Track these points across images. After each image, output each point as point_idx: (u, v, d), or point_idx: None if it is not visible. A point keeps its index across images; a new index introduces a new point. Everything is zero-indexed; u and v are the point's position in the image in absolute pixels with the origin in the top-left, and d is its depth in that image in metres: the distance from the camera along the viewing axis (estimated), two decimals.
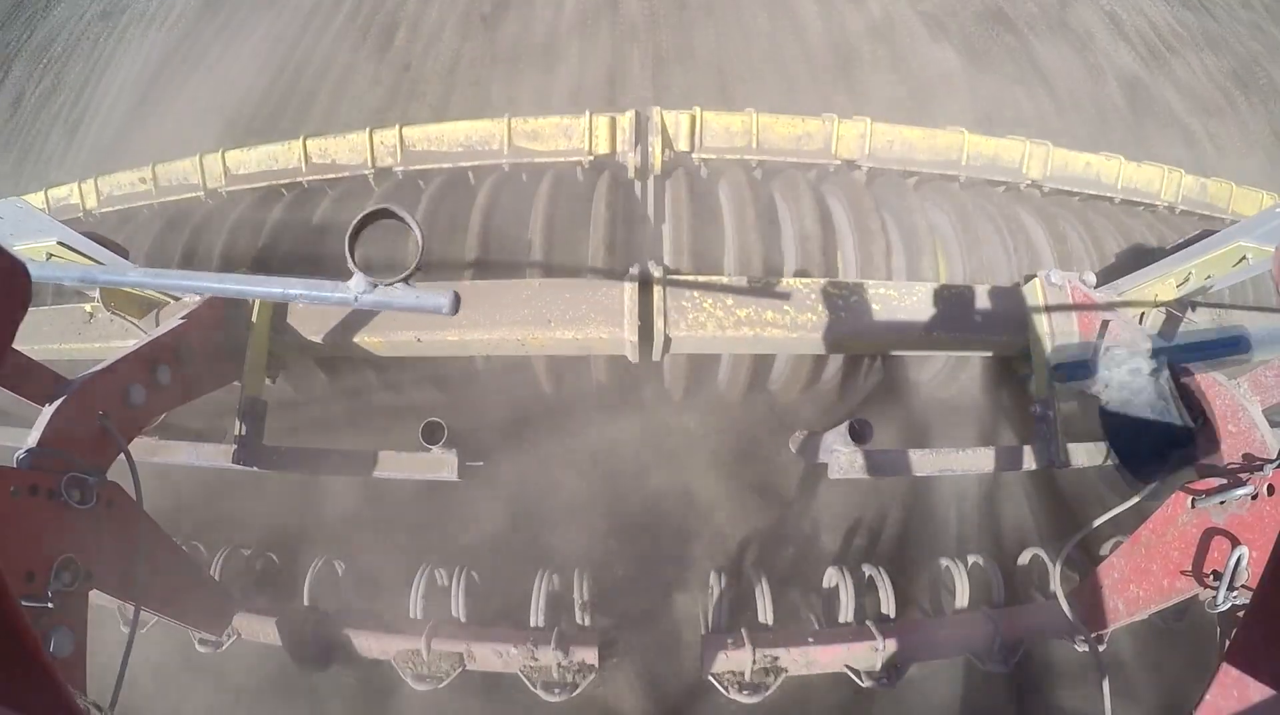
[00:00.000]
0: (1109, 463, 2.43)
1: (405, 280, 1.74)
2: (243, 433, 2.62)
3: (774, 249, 2.98)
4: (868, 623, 2.64)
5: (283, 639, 2.53)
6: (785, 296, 2.69)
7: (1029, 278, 2.78)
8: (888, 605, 2.67)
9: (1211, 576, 2.30)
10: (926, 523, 2.89)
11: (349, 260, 1.72)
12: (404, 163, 3.18)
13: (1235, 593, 2.08)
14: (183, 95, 4.45)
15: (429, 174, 3.23)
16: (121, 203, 3.46)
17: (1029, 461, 2.66)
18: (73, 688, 1.13)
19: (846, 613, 2.68)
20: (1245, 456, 2.19)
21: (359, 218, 1.70)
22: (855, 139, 3.10)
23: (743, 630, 2.60)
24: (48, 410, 2.01)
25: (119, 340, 2.70)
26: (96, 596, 1.96)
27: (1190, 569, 2.35)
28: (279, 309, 2.70)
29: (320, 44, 4.65)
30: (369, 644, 2.56)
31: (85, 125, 4.38)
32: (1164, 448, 1.68)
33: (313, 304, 1.86)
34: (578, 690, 2.55)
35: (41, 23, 5.23)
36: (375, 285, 1.75)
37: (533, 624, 2.58)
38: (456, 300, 1.75)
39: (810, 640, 2.63)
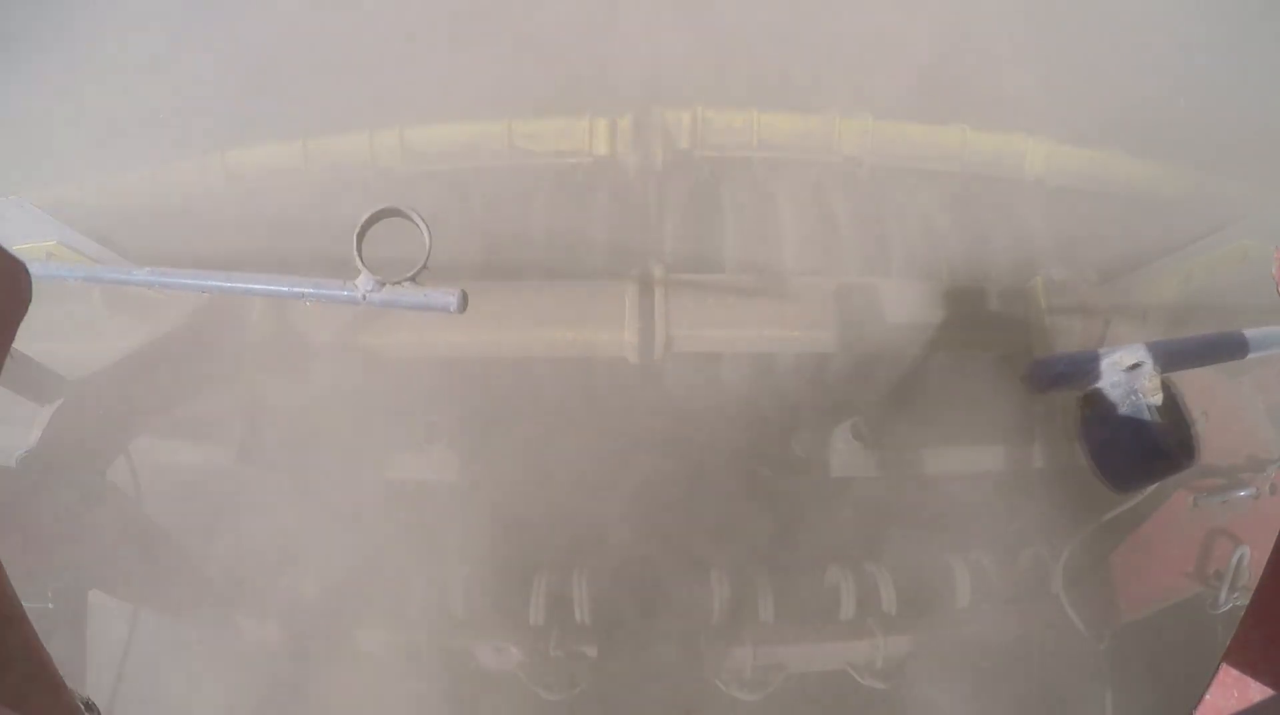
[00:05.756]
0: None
1: (413, 279, 1.75)
2: (244, 432, 2.62)
3: (776, 248, 2.97)
4: (869, 621, 2.64)
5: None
6: (788, 296, 2.68)
7: (1031, 276, 2.77)
8: (889, 603, 2.67)
9: (1214, 576, 2.31)
10: (928, 521, 2.88)
11: (356, 258, 1.73)
12: (405, 163, 3.17)
13: (1237, 593, 2.09)
14: None
15: (430, 175, 3.22)
16: (121, 202, 3.45)
17: (1031, 460, 2.65)
18: (72, 687, 1.13)
19: (848, 611, 2.68)
20: (1247, 456, 2.19)
21: (366, 216, 1.70)
22: (857, 136, 3.09)
23: (743, 628, 2.60)
24: (48, 410, 2.01)
25: (119, 340, 2.70)
26: (96, 596, 1.96)
27: (1192, 569, 2.35)
28: (280, 308, 2.69)
29: None
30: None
31: None
32: (1144, 460, 1.67)
33: (320, 302, 1.86)
34: (577, 688, 2.56)
35: None
36: (383, 283, 1.76)
37: (532, 622, 2.58)
38: (464, 298, 1.77)
39: (811, 638, 2.63)
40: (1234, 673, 1.13)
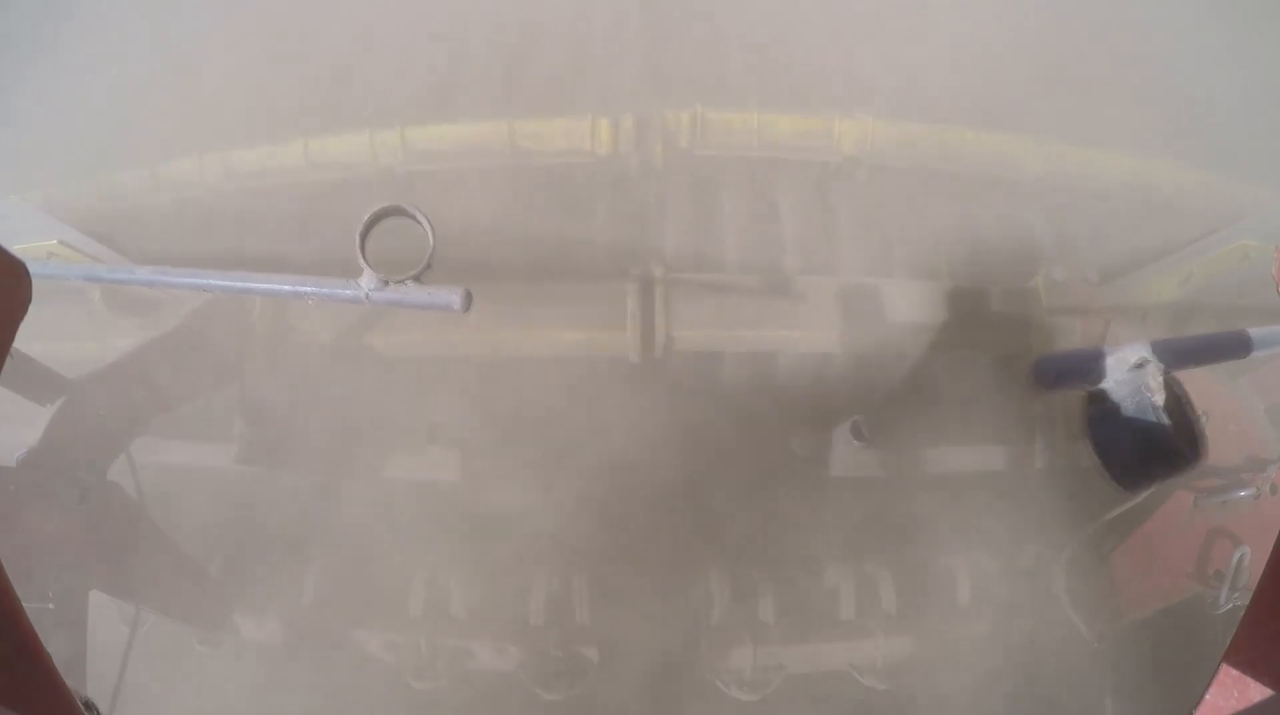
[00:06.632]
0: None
1: (416, 278, 1.74)
2: (244, 432, 2.61)
3: (776, 248, 2.97)
4: (869, 621, 2.64)
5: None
6: (788, 295, 2.69)
7: (1032, 276, 2.77)
8: (889, 603, 2.67)
9: (1214, 576, 2.31)
10: (929, 521, 2.88)
11: (360, 257, 1.72)
12: (406, 163, 3.17)
13: (1237, 593, 2.09)
14: None
15: (430, 175, 3.22)
16: (121, 202, 3.45)
17: (1032, 460, 2.65)
18: (72, 687, 1.13)
19: (848, 611, 2.68)
20: (1247, 456, 2.19)
21: (370, 215, 1.70)
22: (858, 136, 3.09)
23: (743, 628, 2.60)
24: (48, 410, 2.01)
25: (119, 340, 2.70)
26: (96, 596, 1.96)
27: (1192, 569, 2.35)
28: (281, 307, 2.69)
29: None
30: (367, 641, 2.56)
31: None
32: (1152, 458, 1.67)
33: (321, 302, 1.85)
34: (577, 689, 2.55)
35: None
36: (386, 282, 1.75)
37: (532, 622, 2.57)
38: (468, 297, 1.76)
39: (811, 638, 2.63)
40: (1234, 673, 1.13)
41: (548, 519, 2.79)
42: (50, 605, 1.78)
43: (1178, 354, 1.72)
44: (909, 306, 2.70)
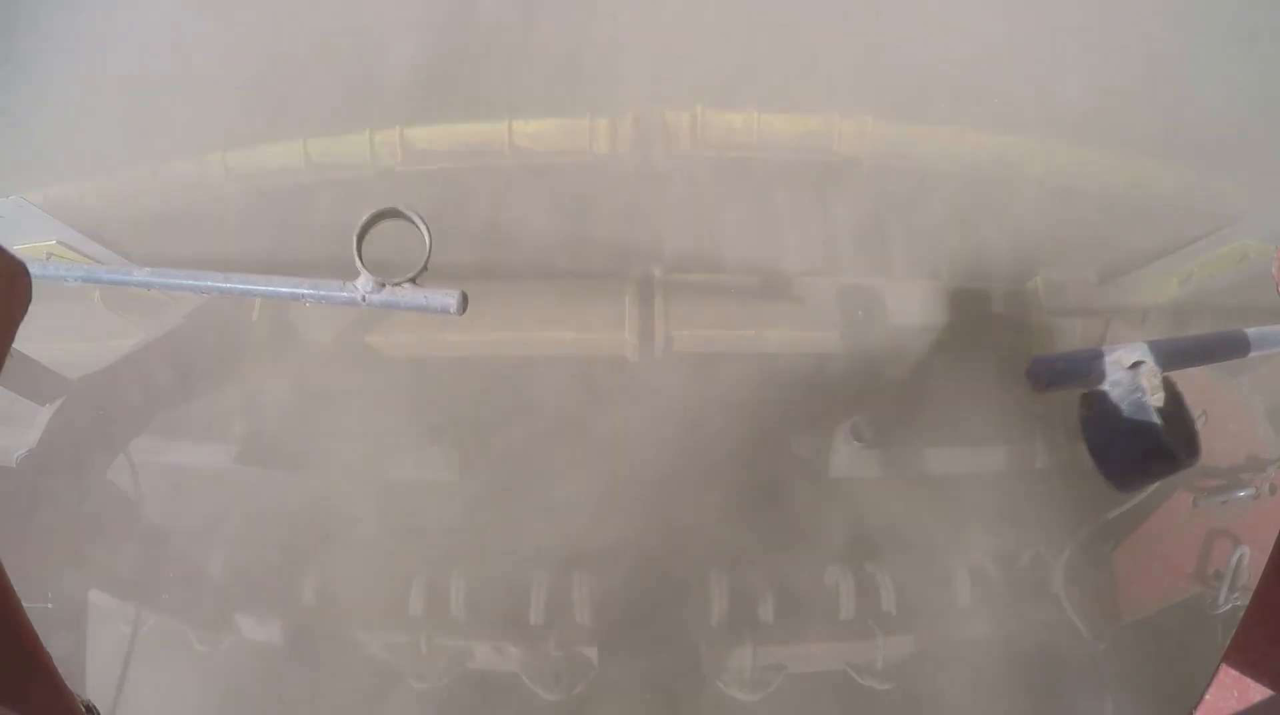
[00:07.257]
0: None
1: (413, 280, 1.74)
2: (244, 432, 2.61)
3: (776, 248, 2.97)
4: (869, 621, 2.64)
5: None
6: (787, 296, 2.69)
7: (1031, 276, 2.77)
8: (889, 604, 2.67)
9: (1214, 576, 2.31)
10: (928, 522, 2.88)
11: (356, 260, 1.72)
12: (405, 163, 3.17)
13: (1237, 593, 2.09)
14: None
15: (430, 174, 3.22)
16: (122, 202, 3.46)
17: (1032, 461, 2.65)
18: (73, 688, 1.13)
19: (847, 611, 2.68)
20: (1247, 456, 2.19)
21: (366, 217, 1.70)
22: (857, 136, 3.09)
23: (743, 628, 2.60)
24: (47, 410, 2.01)
25: (119, 340, 2.71)
26: (96, 596, 1.96)
27: (1192, 569, 2.35)
28: (280, 309, 2.69)
29: None
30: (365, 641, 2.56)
31: None
32: (1147, 458, 1.66)
33: (319, 303, 1.85)
34: (577, 689, 2.55)
35: None
36: (382, 285, 1.75)
37: (532, 622, 2.57)
38: (464, 300, 1.75)
39: (811, 638, 2.63)
40: (1234, 673, 1.13)
41: (547, 519, 2.79)
42: (50, 605, 1.78)
43: (1175, 354, 1.72)
44: (909, 307, 2.70)
